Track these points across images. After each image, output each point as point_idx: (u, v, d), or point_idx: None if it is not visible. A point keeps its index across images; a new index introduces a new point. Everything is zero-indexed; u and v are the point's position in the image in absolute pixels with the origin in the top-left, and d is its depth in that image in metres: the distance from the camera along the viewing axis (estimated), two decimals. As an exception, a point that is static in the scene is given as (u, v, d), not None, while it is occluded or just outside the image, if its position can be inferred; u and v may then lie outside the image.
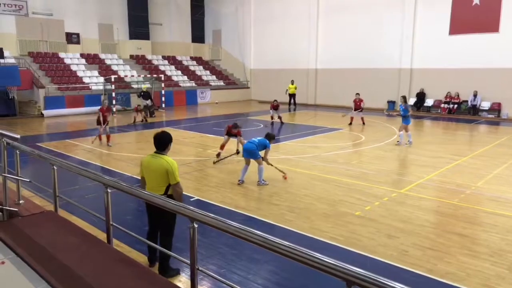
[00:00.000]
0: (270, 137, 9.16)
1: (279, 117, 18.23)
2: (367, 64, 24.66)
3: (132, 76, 26.12)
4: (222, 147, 11.39)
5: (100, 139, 13.41)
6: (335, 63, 26.36)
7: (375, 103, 24.23)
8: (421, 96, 23.08)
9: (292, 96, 24.79)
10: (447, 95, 22.08)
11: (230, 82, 32.16)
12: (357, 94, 18.34)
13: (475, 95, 20.97)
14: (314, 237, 6.10)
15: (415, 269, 5.06)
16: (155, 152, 4.85)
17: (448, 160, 11.11)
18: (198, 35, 34.21)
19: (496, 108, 20.71)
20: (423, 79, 22.82)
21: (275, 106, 18.09)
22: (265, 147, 8.92)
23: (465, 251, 5.62)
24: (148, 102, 20.25)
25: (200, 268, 2.88)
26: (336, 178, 9.42)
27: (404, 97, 13.98)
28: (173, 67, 30.56)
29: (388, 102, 24.27)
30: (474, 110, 21.04)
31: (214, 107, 26.03)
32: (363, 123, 17.72)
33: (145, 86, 22.36)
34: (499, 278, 4.87)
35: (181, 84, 28.87)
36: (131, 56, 29.41)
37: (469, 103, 21.24)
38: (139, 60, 29.35)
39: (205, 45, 34.77)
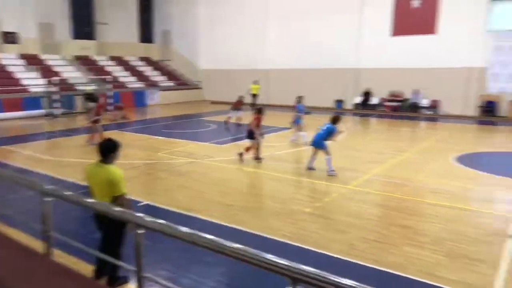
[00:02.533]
0: (335, 120, 9.74)
1: (239, 118, 17.86)
2: (317, 65, 25.27)
3: (77, 77, 24.95)
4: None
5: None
6: (286, 64, 26.76)
7: (324, 102, 24.93)
8: (367, 95, 24.02)
9: (255, 96, 25.01)
10: (391, 94, 23.17)
11: (181, 83, 31.67)
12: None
13: (416, 93, 22.17)
14: (266, 236, 6.14)
15: (363, 261, 5.25)
16: (99, 161, 4.59)
17: (392, 156, 11.64)
18: (146, 35, 33.37)
19: (434, 105, 22.01)
20: (369, 79, 23.77)
21: (237, 105, 17.51)
22: (331, 132, 9.56)
23: (408, 241, 5.91)
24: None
25: (146, 275, 2.80)
26: (288, 176, 9.56)
27: (300, 97, 14.38)
28: (120, 68, 29.57)
29: (336, 101, 25.03)
30: (415, 107, 22.24)
31: (165, 108, 25.51)
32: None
33: (90, 88, 21.42)
34: (438, 265, 5.17)
35: (129, 85, 28.00)
36: (75, 57, 28.09)
37: (411, 101, 22.42)
38: (84, 61, 28.11)
39: (154, 45, 33.98)
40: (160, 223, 2.33)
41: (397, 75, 22.73)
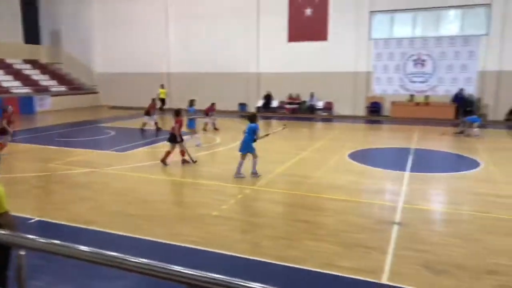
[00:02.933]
0: (253, 118, 9.60)
1: (155, 123, 17.03)
2: (219, 69, 25.55)
3: None
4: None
5: None
6: (188, 67, 26.55)
7: (228, 105, 25.27)
8: (268, 98, 24.97)
9: (163, 100, 24.33)
10: (289, 97, 24.45)
11: (75, 87, 29.45)
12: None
13: (312, 96, 23.73)
14: (173, 243, 6.04)
15: (267, 259, 5.46)
16: None
17: (292, 155, 12.29)
18: (32, 36, 30.28)
19: (328, 107, 23.78)
20: (269, 83, 24.77)
21: (150, 109, 16.74)
22: (255, 131, 9.42)
23: (309, 235, 6.30)
24: None
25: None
26: (193, 181, 9.50)
27: (191, 101, 14.71)
28: (1, 71, 26.44)
29: (240, 104, 25.58)
30: (312, 109, 23.79)
31: (58, 115, 23.46)
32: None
33: None
34: (335, 255, 5.61)
35: (13, 91, 25.19)
36: None
37: (307, 103, 23.93)
38: (-46, 63, 24.56)
39: (42, 47, 31.04)
40: (43, 242, 2.13)
41: (294, 79, 24.08)
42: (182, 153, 11.04)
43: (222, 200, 8.04)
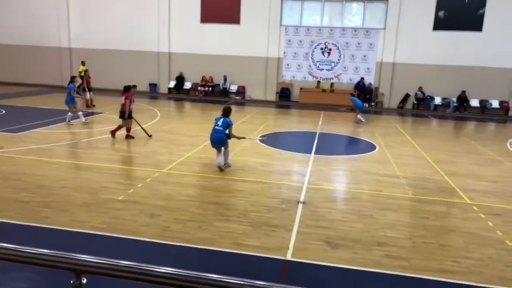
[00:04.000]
0: (228, 112, 9.01)
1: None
2: (128, 46, 24.18)
3: None
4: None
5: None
6: (93, 43, 24.65)
7: (139, 86, 24.08)
8: (180, 80, 24.37)
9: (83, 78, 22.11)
10: (202, 79, 24.13)
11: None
12: (86, 70, 18.33)
13: (225, 79, 23.72)
14: (75, 230, 5.66)
15: (176, 242, 5.40)
16: None
17: (204, 138, 12.17)
18: None
19: (241, 91, 24.03)
20: (181, 63, 24.14)
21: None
22: (228, 125, 8.85)
23: (219, 217, 6.36)
24: None
25: None
26: (98, 164, 8.95)
27: (72, 77, 14.05)
28: None
29: (150, 84, 24.59)
30: (225, 92, 23.81)
31: None
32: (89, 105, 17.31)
33: None
34: (244, 234, 5.75)
35: None
36: None
37: (221, 86, 23.89)
38: None
39: None
40: None
41: (207, 61, 23.79)
42: (128, 129, 11.55)
43: (129, 184, 7.72)
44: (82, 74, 22.78)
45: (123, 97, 11.33)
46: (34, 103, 17.70)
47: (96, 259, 1.46)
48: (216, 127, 8.87)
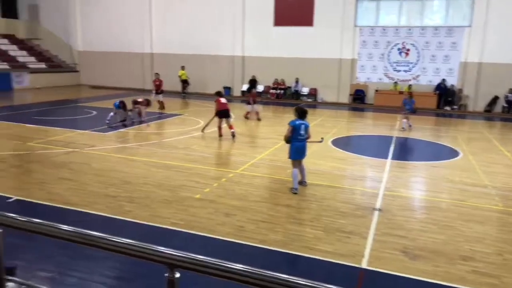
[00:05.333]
0: (306, 113, 7.92)
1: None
2: (204, 51, 25.20)
3: None
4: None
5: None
6: (171, 48, 26.09)
7: (212, 89, 25.04)
8: (253, 83, 24.81)
9: (185, 81, 23.84)
10: (274, 82, 24.35)
11: (54, 65, 28.60)
12: (157, 74, 18.82)
13: (297, 82, 23.70)
14: (155, 225, 6.02)
15: (250, 242, 5.50)
16: None
17: (276, 141, 12.28)
18: (8, 9, 29.10)
19: (313, 93, 23.83)
20: (254, 67, 24.58)
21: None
22: (307, 128, 7.80)
23: (291, 219, 6.37)
24: None
25: (9, 278, 2.51)
26: (177, 163, 9.43)
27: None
28: (-24, 45, 25.48)
29: (224, 88, 25.35)
30: (297, 95, 23.79)
31: (36, 93, 22.82)
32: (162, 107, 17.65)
33: None
34: (317, 239, 5.69)
35: (-11, 66, 24.35)
36: None
37: (293, 89, 23.92)
38: None
39: (19, 21, 29.92)
40: (25, 220, 2.09)
41: (279, 64, 23.95)
42: (230, 126, 12.27)
43: (205, 183, 8.02)
44: (183, 78, 24.31)
45: (219, 100, 12.17)
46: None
47: (190, 255, 1.54)
48: (299, 136, 7.68)
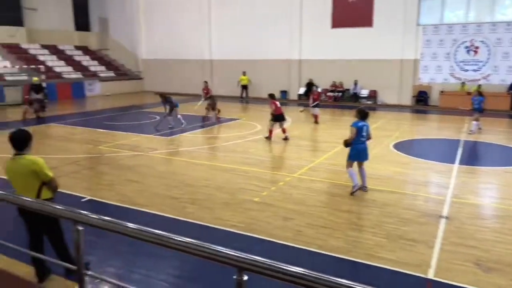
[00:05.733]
0: (366, 115, 7.68)
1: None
2: (260, 55, 25.46)
3: (5, 67, 23.12)
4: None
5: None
6: (229, 54, 26.65)
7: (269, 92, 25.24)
8: (310, 86, 24.60)
9: (244, 87, 24.68)
10: (332, 84, 23.98)
11: (121, 73, 30.44)
12: (205, 82, 19.38)
13: (355, 84, 23.14)
14: (215, 227, 6.16)
15: (308, 247, 5.44)
16: (14, 154, 4.30)
17: (335, 144, 12.06)
18: (82, 23, 31.50)
19: (373, 95, 23.11)
20: (311, 70, 24.37)
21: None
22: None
23: (351, 225, 6.21)
24: (40, 95, 17.98)
25: (88, 273, 2.70)
26: (235, 167, 9.60)
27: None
28: (54, 57, 27.79)
29: (281, 92, 25.43)
30: (355, 97, 23.22)
31: (106, 100, 24.41)
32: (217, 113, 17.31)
33: (36, 79, 19.42)
34: (379, 246, 5.50)
35: (65, 76, 26.44)
36: (2, 44, 25.91)
37: (351, 91, 23.38)
38: (12, 49, 26.03)
39: (91, 34, 32.24)
40: (100, 219, 2.25)
41: (337, 66, 23.54)
42: (284, 130, 12.43)
43: (263, 187, 8.07)
44: (243, 83, 24.96)
45: (274, 103, 12.31)
46: (184, 110, 19.85)
47: (259, 258, 1.56)
48: (362, 138, 7.51)
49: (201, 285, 4.64)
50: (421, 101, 21.86)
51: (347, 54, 23.06)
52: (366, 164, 7.90)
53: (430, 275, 4.77)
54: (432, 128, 16.67)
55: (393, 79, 22.34)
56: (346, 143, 7.67)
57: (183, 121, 14.62)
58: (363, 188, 7.74)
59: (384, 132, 14.25)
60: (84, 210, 2.48)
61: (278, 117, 12.33)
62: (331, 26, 23.57)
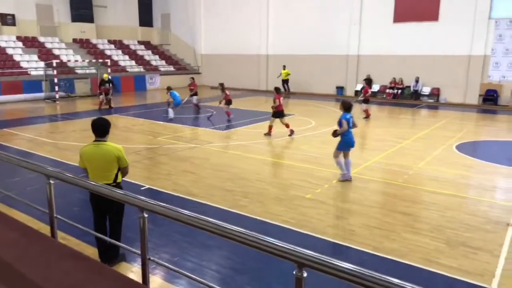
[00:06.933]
0: (350, 108, 8.17)
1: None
2: (317, 51, 25.10)
3: (76, 61, 24.80)
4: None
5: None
6: (285, 49, 26.57)
7: (324, 89, 24.89)
8: (368, 82, 23.85)
9: (285, 81, 24.91)
10: (391, 81, 23.08)
11: (180, 68, 31.46)
12: (192, 78, 19.50)
13: (417, 81, 22.09)
14: (267, 221, 6.20)
15: (362, 248, 5.30)
16: (95, 140, 4.61)
17: (392, 143, 11.66)
18: (145, 19, 32.97)
19: (435, 93, 21.94)
20: (370, 65, 23.63)
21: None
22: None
23: (408, 228, 5.96)
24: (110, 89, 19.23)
25: (151, 258, 2.83)
26: (288, 162, 9.58)
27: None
28: (119, 51, 29.34)
29: (337, 87, 24.94)
30: (416, 95, 22.18)
31: (165, 93, 25.33)
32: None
33: (106, 75, 20.62)
34: (438, 252, 5.23)
35: (128, 69, 27.83)
36: (74, 40, 27.81)
37: (412, 89, 22.36)
38: (83, 44, 27.85)
39: (154, 29, 33.63)
40: (167, 207, 2.35)
41: (398, 62, 22.61)
42: (287, 125, 12.27)
43: (316, 183, 7.98)
44: (283, 77, 24.98)
45: (277, 98, 12.14)
46: (239, 105, 20.16)
47: (321, 255, 1.54)
48: (350, 129, 8.03)
49: (252, 278, 4.70)
50: (490, 100, 20.40)
51: (409, 50, 22.07)
52: (426, 166, 7.53)
53: (494, 285, 4.46)
54: (500, 130, 15.50)
55: (459, 76, 21.05)
56: (336, 134, 8.10)
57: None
58: (347, 176, 8.05)
59: (446, 132, 13.51)
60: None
61: (278, 114, 12.19)
62: (393, 20, 22.66)
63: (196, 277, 2.79)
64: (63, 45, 26.55)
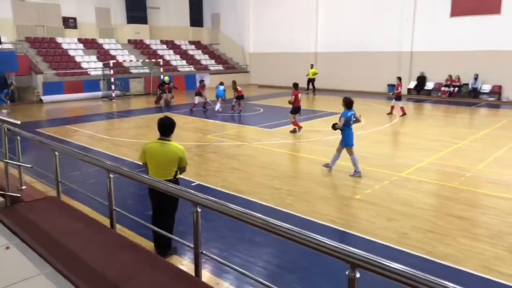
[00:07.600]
0: (351, 104, 8.32)
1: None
2: (367, 48, 24.44)
3: (131, 61, 25.93)
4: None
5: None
6: (335, 46, 26.12)
7: (375, 86, 24.19)
8: (421, 80, 22.94)
9: (312, 80, 24.84)
10: (448, 78, 21.96)
11: (229, 66, 31.93)
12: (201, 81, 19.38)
13: (476, 78, 20.86)
14: (313, 220, 6.15)
15: (415, 251, 5.11)
16: (160, 139, 4.82)
17: (448, 144, 11.12)
18: (196, 19, 33.80)
19: (497, 91, 20.61)
20: (424, 62, 22.65)
21: None
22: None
23: (465, 233, 5.67)
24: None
25: (203, 252, 2.91)
26: (337, 162, 9.41)
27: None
28: (171, 51, 30.30)
29: (388, 85, 24.13)
30: (475, 93, 20.96)
31: (214, 92, 25.85)
32: None
33: (167, 78, 21.43)
34: (498, 259, 4.93)
35: (180, 69, 28.67)
36: (129, 41, 29.10)
37: (470, 86, 21.15)
38: (137, 45, 29.07)
39: (204, 29, 34.38)
40: (220, 202, 2.41)
41: (455, 58, 21.45)
42: (294, 123, 12.56)
43: (366, 184, 7.80)
44: (310, 77, 24.67)
45: (295, 94, 12.34)
46: (284, 103, 20.14)
47: (374, 256, 1.52)
48: (350, 127, 8.31)
49: (300, 277, 4.69)
50: (559, 98, 18.84)
51: (467, 45, 20.86)
52: (486, 169, 7.11)
53: None
54: None
55: (524, 73, 19.61)
56: (335, 128, 8.32)
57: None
58: (357, 173, 8.12)
59: (509, 132, 12.67)
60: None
61: (296, 109, 12.44)
62: (450, 14, 21.54)
63: (247, 272, 2.84)
64: (119, 46, 27.87)
